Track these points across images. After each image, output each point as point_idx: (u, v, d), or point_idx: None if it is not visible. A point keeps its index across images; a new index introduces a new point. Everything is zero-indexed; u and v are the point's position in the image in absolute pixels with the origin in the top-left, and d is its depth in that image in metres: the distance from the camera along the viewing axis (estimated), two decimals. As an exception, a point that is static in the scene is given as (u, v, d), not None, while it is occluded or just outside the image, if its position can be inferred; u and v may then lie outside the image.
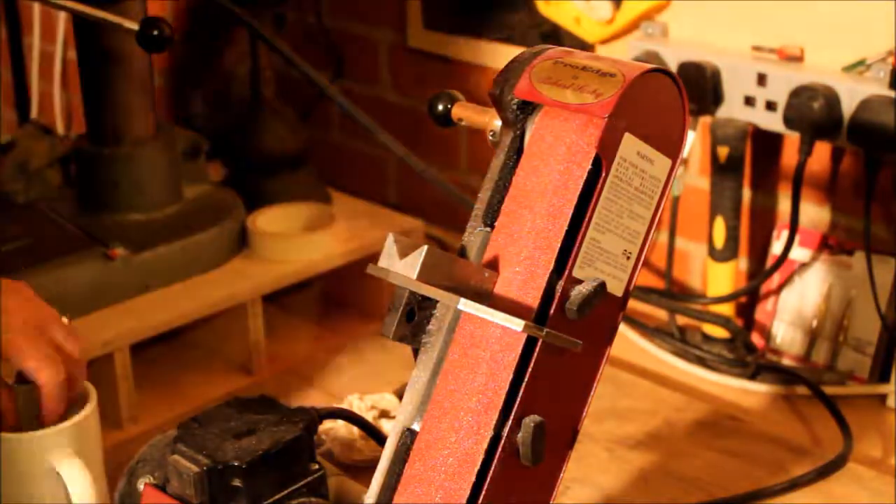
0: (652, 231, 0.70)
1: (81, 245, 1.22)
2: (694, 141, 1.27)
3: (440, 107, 0.74)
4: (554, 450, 0.68)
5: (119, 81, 1.26)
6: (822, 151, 1.20)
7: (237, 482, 0.79)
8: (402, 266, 0.64)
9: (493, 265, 0.66)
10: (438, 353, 0.67)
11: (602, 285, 0.65)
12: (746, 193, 1.28)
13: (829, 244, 1.22)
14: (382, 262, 0.64)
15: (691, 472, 1.05)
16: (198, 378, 1.25)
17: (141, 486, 0.84)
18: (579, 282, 0.65)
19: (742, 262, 1.30)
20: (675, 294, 1.32)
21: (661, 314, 1.32)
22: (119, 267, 1.21)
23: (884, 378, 1.18)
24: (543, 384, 0.65)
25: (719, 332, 1.25)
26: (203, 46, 1.65)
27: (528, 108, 0.69)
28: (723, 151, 1.20)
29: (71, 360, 0.88)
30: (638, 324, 1.30)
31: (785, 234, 1.19)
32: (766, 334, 1.26)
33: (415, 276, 0.63)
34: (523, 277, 0.65)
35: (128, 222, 1.27)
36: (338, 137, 1.74)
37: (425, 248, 0.63)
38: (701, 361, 1.24)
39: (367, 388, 1.14)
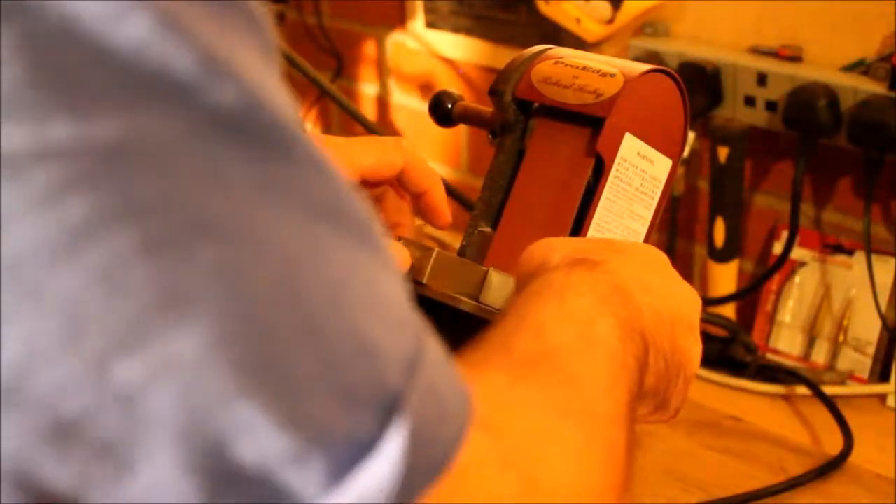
0: (653, 231, 0.70)
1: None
2: (694, 141, 1.27)
3: (440, 107, 0.74)
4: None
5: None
6: (822, 151, 1.20)
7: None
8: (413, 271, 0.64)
9: (496, 266, 0.66)
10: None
11: (603, 285, 0.65)
12: (746, 193, 1.27)
13: (829, 244, 1.22)
14: None
15: (691, 472, 1.04)
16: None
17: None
18: (580, 282, 0.65)
19: (742, 262, 1.30)
20: (675, 294, 1.31)
21: (661, 314, 1.31)
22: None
23: (884, 378, 1.18)
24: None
25: (719, 332, 1.25)
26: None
27: (528, 108, 0.69)
28: (723, 151, 1.20)
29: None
30: (638, 324, 1.30)
31: (785, 234, 1.19)
32: (766, 334, 1.26)
33: (424, 280, 0.63)
34: (525, 277, 0.65)
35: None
36: (338, 137, 1.74)
37: (435, 251, 0.63)
38: (701, 361, 1.24)
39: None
